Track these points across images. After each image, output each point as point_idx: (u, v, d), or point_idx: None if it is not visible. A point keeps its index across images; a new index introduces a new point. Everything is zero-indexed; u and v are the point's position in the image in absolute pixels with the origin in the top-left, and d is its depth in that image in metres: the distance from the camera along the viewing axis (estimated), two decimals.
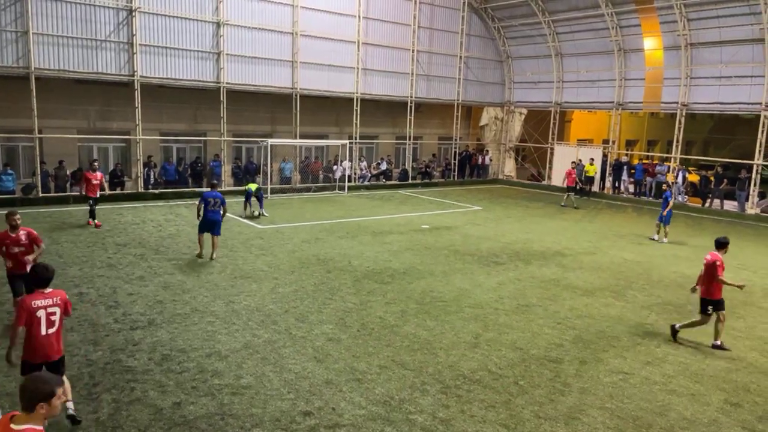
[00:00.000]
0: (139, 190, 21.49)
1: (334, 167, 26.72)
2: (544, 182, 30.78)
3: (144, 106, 21.09)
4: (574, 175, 24.42)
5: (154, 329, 8.68)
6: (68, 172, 20.71)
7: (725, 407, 7.01)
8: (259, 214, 18.37)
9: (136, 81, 20.72)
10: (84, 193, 16.04)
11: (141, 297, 10.14)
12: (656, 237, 17.31)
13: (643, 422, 6.54)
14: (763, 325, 10.06)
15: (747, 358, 8.58)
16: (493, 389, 7.18)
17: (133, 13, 20.37)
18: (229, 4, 22.38)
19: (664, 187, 20.82)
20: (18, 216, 8.09)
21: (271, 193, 23.00)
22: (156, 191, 21.60)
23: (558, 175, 29.53)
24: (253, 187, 18.61)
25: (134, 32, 20.44)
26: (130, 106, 20.92)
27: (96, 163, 17.08)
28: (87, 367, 7.30)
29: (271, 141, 23.20)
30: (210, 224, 12.62)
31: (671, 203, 17.10)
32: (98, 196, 16.15)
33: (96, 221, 15.94)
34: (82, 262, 12.21)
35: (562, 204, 23.79)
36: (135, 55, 20.56)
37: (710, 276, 8.77)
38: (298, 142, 25.34)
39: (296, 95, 24.62)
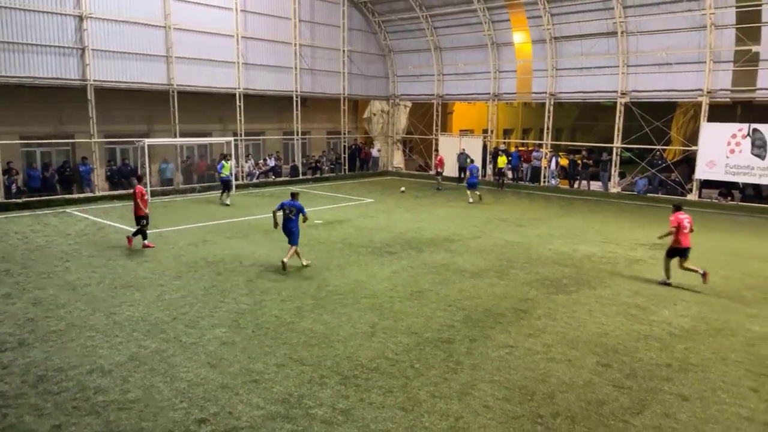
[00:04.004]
0: (0, 200, 19.50)
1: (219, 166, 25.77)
2: (432, 172, 31.73)
3: (1, 108, 19.13)
4: (442, 160, 27.62)
5: (25, 349, 7.96)
6: None
7: (598, 368, 7.69)
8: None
9: None
10: (140, 213, 13.89)
11: (8, 316, 9.25)
12: (471, 200, 22.40)
13: (527, 390, 7.02)
14: (627, 292, 11.12)
15: (614, 322, 9.46)
16: (390, 375, 7.35)
17: None
18: None
19: (468, 161, 25.33)
20: None
21: (152, 196, 21.79)
22: (20, 200, 19.71)
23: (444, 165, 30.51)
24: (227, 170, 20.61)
25: None
26: None
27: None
28: None
29: (148, 141, 21.92)
30: (286, 232, 12.46)
31: (472, 174, 22.65)
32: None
33: (146, 241, 14.09)
34: None
35: (437, 188, 26.56)
36: None
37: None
38: (179, 141, 24.21)
39: (173, 92, 23.48)
